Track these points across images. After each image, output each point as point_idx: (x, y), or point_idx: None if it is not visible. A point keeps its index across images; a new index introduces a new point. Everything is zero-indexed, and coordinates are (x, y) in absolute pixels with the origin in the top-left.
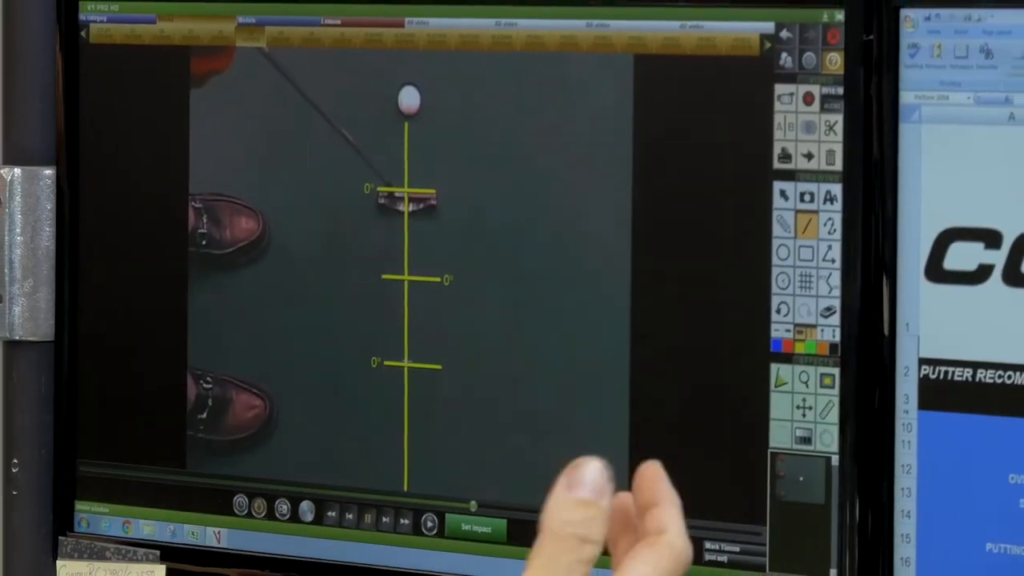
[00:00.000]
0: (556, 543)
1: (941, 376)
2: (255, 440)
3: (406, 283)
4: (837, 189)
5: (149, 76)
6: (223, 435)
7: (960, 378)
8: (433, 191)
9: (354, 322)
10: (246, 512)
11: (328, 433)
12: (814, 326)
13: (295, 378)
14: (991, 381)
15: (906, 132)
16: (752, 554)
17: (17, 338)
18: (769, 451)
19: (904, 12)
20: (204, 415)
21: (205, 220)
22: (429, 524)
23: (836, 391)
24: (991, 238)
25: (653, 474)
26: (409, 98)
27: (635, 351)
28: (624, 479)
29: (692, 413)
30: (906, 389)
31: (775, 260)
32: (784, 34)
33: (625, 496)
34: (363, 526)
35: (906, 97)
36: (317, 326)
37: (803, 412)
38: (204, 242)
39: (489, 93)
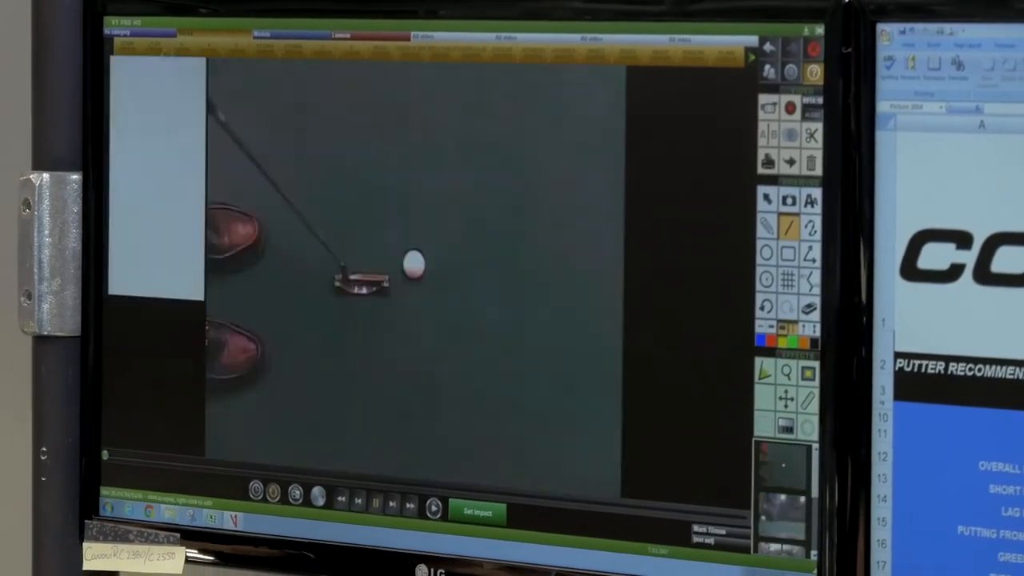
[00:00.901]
0: None
1: (915, 369)
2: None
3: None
4: (817, 193)
5: (169, 87)
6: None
7: (933, 371)
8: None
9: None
10: (261, 497)
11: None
12: (796, 322)
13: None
14: (962, 374)
15: (882, 139)
16: (737, 536)
17: (45, 333)
18: (754, 440)
19: (880, 26)
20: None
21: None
22: (433, 508)
23: (816, 383)
24: (962, 239)
25: None
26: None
27: (628, 346)
28: (617, 467)
29: (681, 404)
30: (882, 381)
31: (759, 260)
32: (767, 47)
33: None
34: (371, 510)
35: (882, 106)
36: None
37: (785, 403)
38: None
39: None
